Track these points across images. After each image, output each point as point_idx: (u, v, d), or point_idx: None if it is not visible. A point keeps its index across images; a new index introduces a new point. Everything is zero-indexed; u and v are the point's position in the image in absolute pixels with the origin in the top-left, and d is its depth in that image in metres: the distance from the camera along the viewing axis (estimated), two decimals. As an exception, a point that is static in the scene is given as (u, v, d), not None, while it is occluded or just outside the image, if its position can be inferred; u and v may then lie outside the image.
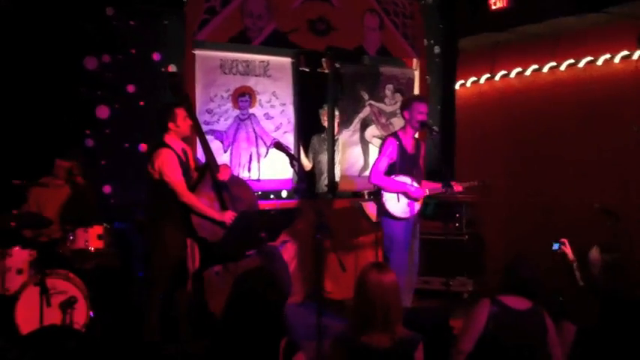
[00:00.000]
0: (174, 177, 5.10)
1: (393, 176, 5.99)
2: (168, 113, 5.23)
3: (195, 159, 5.60)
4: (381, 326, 3.22)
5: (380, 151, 6.12)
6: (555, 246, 4.76)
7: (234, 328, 2.95)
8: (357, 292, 3.33)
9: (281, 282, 5.39)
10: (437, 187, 6.23)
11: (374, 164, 6.10)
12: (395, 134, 6.16)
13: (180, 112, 5.26)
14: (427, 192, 6.14)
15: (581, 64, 7.84)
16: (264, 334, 2.92)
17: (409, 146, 6.10)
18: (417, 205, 6.09)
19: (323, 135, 7.64)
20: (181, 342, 5.21)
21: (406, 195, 5.98)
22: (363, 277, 3.32)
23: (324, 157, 7.58)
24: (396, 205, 5.98)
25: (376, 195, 6.06)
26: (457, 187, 6.17)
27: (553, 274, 4.61)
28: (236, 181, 5.66)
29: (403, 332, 3.28)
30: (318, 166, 7.66)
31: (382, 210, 6.01)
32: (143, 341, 5.10)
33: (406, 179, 6.01)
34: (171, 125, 5.22)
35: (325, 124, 7.61)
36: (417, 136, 6.32)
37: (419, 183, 6.12)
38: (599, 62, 7.66)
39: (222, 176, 5.37)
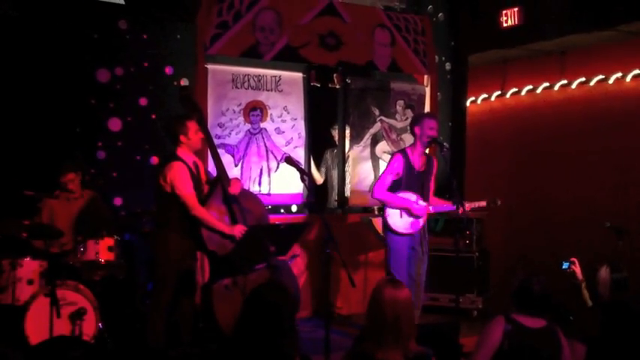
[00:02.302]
0: (186, 190, 5.12)
1: (398, 192, 6.01)
2: (180, 126, 5.24)
3: (207, 172, 5.62)
4: (394, 342, 3.20)
5: (386, 167, 6.17)
6: (565, 265, 4.74)
7: (246, 340, 2.93)
8: (371, 308, 3.30)
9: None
10: (444, 205, 6.23)
11: (378, 179, 6.19)
12: (402, 151, 6.20)
13: (192, 125, 5.28)
14: (431, 209, 6.13)
15: (592, 83, 7.83)
16: (277, 348, 2.90)
17: (417, 163, 6.10)
18: (421, 222, 6.08)
19: (336, 150, 7.66)
20: (184, 347, 5.20)
21: (408, 211, 6.00)
22: (377, 293, 3.29)
23: (335, 172, 7.60)
24: (399, 220, 6.02)
25: (380, 210, 6.07)
26: (466, 207, 6.09)
27: (561, 293, 4.60)
28: (247, 195, 5.68)
29: (416, 348, 3.27)
30: (330, 181, 7.68)
31: (385, 225, 6.06)
32: (147, 347, 5.10)
33: (410, 195, 6.02)
34: (182, 138, 5.23)
35: (337, 141, 7.65)
36: (427, 152, 6.32)
37: (426, 200, 6.12)
38: (611, 81, 7.66)
39: (233, 190, 5.39)
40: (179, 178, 5.11)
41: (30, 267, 5.31)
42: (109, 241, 5.55)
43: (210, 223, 5.16)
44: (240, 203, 5.42)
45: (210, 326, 5.24)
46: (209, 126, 6.31)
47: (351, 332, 6.02)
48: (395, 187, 6.06)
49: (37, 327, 5.01)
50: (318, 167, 7.65)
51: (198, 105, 5.74)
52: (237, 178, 5.63)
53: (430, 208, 6.13)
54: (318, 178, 7.65)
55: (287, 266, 5.71)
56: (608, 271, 4.23)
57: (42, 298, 5.08)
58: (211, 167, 5.73)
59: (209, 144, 5.54)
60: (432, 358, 3.31)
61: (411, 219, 6.03)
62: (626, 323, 4.00)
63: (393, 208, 6.00)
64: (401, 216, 6.02)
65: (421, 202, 6.04)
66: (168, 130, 5.34)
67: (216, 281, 5.31)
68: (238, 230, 5.14)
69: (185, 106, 5.52)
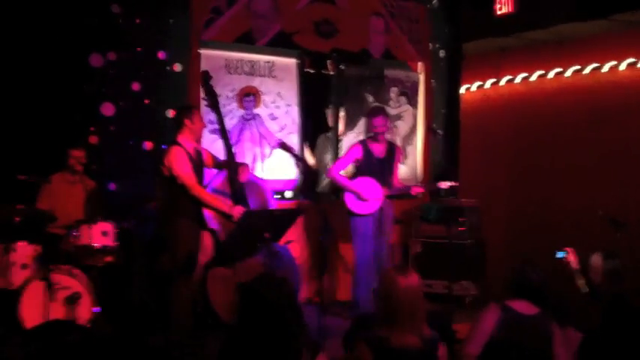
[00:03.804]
0: (183, 171, 5.16)
1: (357, 177, 6.38)
2: (187, 111, 5.37)
3: (214, 157, 5.68)
4: (410, 327, 3.25)
5: (344, 153, 6.65)
6: (560, 254, 4.78)
7: (249, 336, 2.92)
8: (386, 297, 3.32)
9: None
10: (403, 187, 6.58)
11: (335, 161, 6.81)
12: (362, 141, 6.59)
13: (197, 113, 5.44)
14: (389, 192, 6.39)
15: (586, 71, 7.84)
16: (281, 340, 2.89)
17: (378, 151, 6.44)
18: (377, 204, 6.32)
19: (328, 134, 7.66)
20: (179, 335, 5.21)
21: (357, 195, 6.30)
22: (390, 283, 3.32)
23: (326, 157, 7.60)
24: (355, 202, 6.32)
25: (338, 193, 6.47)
26: (417, 189, 6.53)
27: (556, 281, 4.63)
28: (254, 182, 5.75)
29: (427, 331, 3.32)
30: (321, 165, 7.67)
31: (346, 208, 6.37)
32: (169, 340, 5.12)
33: (367, 180, 6.32)
34: (187, 122, 5.30)
35: (329, 124, 7.64)
36: (390, 140, 6.65)
37: (386, 184, 6.39)
38: (605, 69, 7.67)
39: (241, 177, 5.49)
40: (176, 160, 5.16)
41: (24, 251, 5.28)
42: (102, 226, 5.53)
43: (209, 202, 5.23)
44: (245, 189, 5.51)
45: (206, 308, 5.25)
46: (202, 112, 6.30)
47: (346, 318, 6.05)
48: (356, 172, 6.48)
49: (31, 311, 4.98)
50: (312, 151, 7.65)
51: (215, 92, 5.80)
52: (246, 165, 5.69)
53: (388, 191, 6.41)
54: (311, 161, 7.65)
55: (286, 252, 5.72)
56: (601, 257, 4.27)
57: (36, 282, 5.06)
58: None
59: (221, 128, 5.66)
60: (440, 342, 3.37)
61: (367, 201, 6.31)
62: (624, 317, 4.03)
63: (345, 190, 6.38)
64: (357, 198, 6.33)
65: (374, 187, 6.32)
66: (175, 116, 5.47)
67: (214, 265, 5.33)
68: (237, 211, 5.18)
69: (205, 89, 5.69)
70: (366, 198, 6.29)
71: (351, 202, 6.34)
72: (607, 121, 7.56)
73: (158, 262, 5.54)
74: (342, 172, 6.48)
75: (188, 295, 5.21)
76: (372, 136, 6.48)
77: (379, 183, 6.35)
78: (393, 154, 6.56)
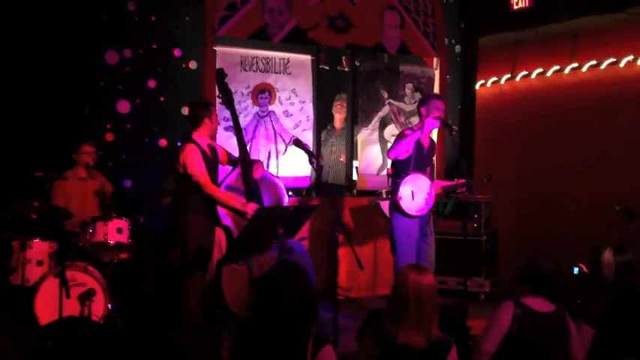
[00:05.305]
0: (197, 169, 5.23)
1: (408, 173, 5.86)
2: (206, 109, 5.44)
3: (229, 154, 5.73)
4: (417, 326, 3.23)
5: (399, 137, 6.00)
6: (576, 270, 4.83)
7: (263, 327, 2.95)
8: (395, 292, 3.31)
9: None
10: (449, 184, 6.34)
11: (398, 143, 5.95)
12: (411, 129, 6.02)
13: (214, 110, 5.54)
14: (440, 192, 6.24)
15: (603, 66, 7.77)
16: (293, 328, 2.92)
17: (425, 143, 6.07)
18: (430, 204, 5.98)
19: (329, 127, 7.69)
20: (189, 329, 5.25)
21: (410, 193, 5.84)
22: (401, 278, 3.31)
23: (325, 151, 7.65)
24: (410, 202, 5.87)
25: (392, 192, 6.01)
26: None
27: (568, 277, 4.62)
28: (267, 179, 5.76)
29: (437, 333, 3.28)
30: (327, 162, 7.70)
31: (396, 207, 5.92)
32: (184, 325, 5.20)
33: (422, 181, 5.92)
34: (207, 120, 5.40)
35: (334, 112, 7.67)
36: (434, 136, 6.32)
37: (431, 180, 6.06)
38: (622, 64, 7.60)
39: (255, 174, 5.53)
40: (190, 158, 5.24)
41: (39, 248, 5.32)
42: (117, 223, 5.57)
43: (223, 200, 5.30)
44: (259, 186, 5.54)
45: (219, 303, 5.28)
46: (217, 109, 6.31)
47: (359, 315, 6.04)
48: (404, 166, 5.92)
49: (46, 307, 5.04)
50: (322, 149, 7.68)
51: (230, 90, 5.82)
52: (260, 162, 5.73)
53: (441, 190, 6.19)
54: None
55: (300, 248, 5.71)
56: (612, 253, 4.25)
57: (51, 278, 5.11)
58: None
59: (235, 126, 5.70)
60: (454, 345, 3.32)
61: (422, 201, 5.90)
62: (635, 308, 4.00)
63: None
64: (412, 198, 5.87)
65: (428, 187, 5.91)
66: (193, 112, 5.49)
67: (228, 261, 5.35)
68: (251, 208, 5.23)
69: (220, 87, 5.72)
70: (418, 199, 5.87)
71: (405, 201, 5.83)
72: (624, 117, 7.50)
73: (168, 256, 5.56)
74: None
75: (199, 290, 5.26)
76: (419, 125, 5.99)
77: (430, 180, 5.96)
78: (433, 148, 6.26)
